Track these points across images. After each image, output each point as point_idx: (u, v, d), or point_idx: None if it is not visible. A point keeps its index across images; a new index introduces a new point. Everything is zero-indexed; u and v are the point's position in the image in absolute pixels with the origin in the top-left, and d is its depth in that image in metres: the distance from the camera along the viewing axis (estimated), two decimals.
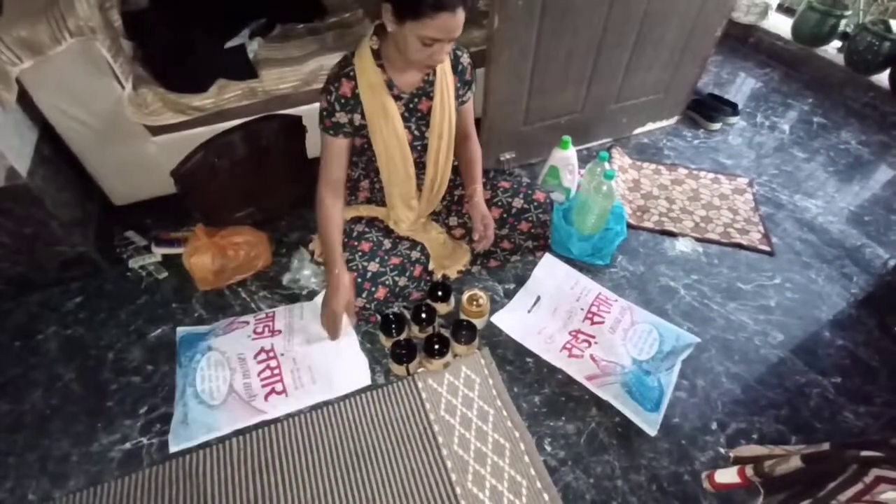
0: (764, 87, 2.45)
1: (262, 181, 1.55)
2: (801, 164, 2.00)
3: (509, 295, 1.48)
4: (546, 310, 1.43)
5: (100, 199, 1.61)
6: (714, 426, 1.22)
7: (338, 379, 1.27)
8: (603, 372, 1.26)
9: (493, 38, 1.50)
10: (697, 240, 1.67)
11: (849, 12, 2.30)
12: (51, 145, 1.44)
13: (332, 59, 1.52)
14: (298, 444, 1.17)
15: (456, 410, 1.22)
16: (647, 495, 1.10)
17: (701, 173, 1.93)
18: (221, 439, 1.17)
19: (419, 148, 1.30)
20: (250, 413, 1.20)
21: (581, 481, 1.12)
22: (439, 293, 1.39)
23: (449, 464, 1.13)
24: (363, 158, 1.33)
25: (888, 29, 2.17)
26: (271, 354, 1.28)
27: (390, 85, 1.17)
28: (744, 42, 2.72)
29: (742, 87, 2.46)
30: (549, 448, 1.17)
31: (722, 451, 1.17)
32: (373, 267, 1.32)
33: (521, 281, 1.51)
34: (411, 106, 1.23)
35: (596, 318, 1.37)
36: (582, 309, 1.40)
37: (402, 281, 1.37)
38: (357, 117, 1.19)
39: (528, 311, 1.43)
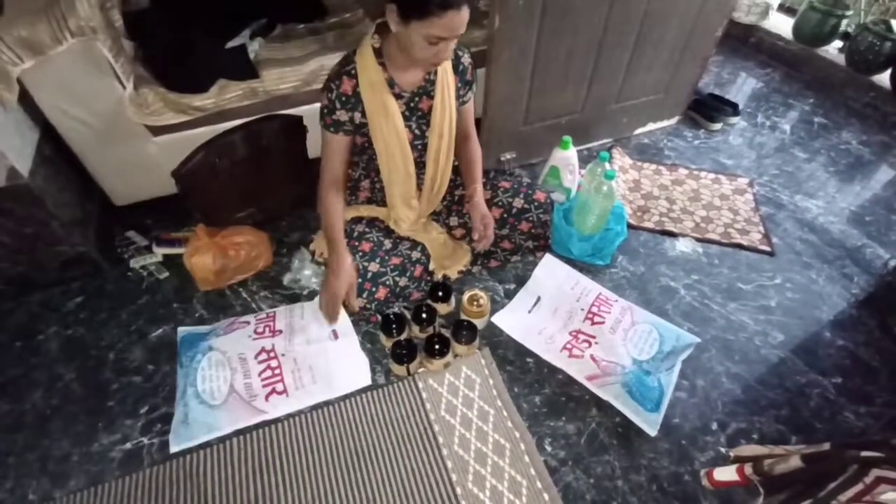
0: (765, 87, 2.44)
1: (262, 181, 1.55)
2: (801, 164, 2.00)
3: (510, 295, 1.48)
4: (546, 310, 1.43)
5: (100, 200, 1.61)
6: (714, 426, 1.22)
7: (338, 379, 1.27)
8: (603, 372, 1.26)
9: (494, 38, 1.50)
10: (698, 240, 1.66)
11: (850, 12, 2.30)
12: (52, 145, 1.44)
13: (332, 59, 1.52)
14: (299, 444, 1.17)
15: (456, 410, 1.22)
16: (648, 495, 1.10)
17: (701, 173, 1.93)
18: (222, 439, 1.17)
19: (419, 147, 1.30)
20: (251, 413, 1.21)
21: (581, 481, 1.12)
22: (440, 293, 1.39)
23: (449, 464, 1.13)
24: (364, 157, 1.33)
25: (889, 29, 2.17)
26: (272, 354, 1.28)
27: (391, 83, 1.17)
28: (745, 42, 2.72)
29: (743, 87, 2.46)
30: (549, 448, 1.17)
31: (722, 450, 1.17)
32: (373, 267, 1.32)
33: (521, 281, 1.51)
34: (412, 105, 1.23)
35: (596, 319, 1.37)
36: (582, 309, 1.40)
37: (403, 281, 1.37)
38: (357, 115, 1.20)
39: (529, 312, 1.43)
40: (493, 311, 1.41)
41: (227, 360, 1.26)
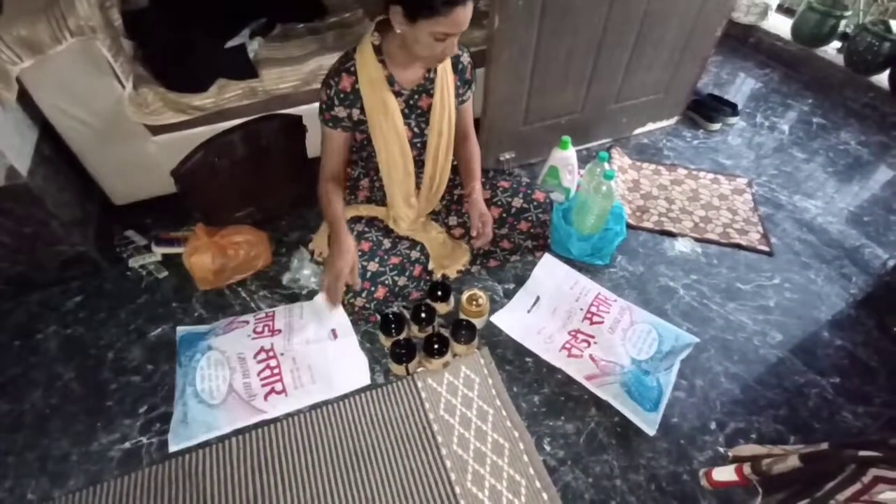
0: (763, 87, 2.45)
1: (262, 181, 1.55)
2: (800, 164, 2.00)
3: (509, 295, 1.48)
4: (545, 310, 1.43)
5: (100, 199, 1.61)
6: (713, 426, 1.22)
7: (337, 378, 1.27)
8: (602, 372, 1.26)
9: (494, 37, 1.50)
10: (697, 240, 1.67)
11: (849, 13, 2.31)
12: (51, 145, 1.44)
13: (331, 59, 1.52)
14: (298, 443, 1.17)
15: (455, 410, 1.22)
16: (646, 495, 1.10)
17: (700, 174, 1.93)
18: (221, 439, 1.17)
19: (418, 145, 1.30)
20: (250, 412, 1.21)
21: (580, 481, 1.12)
22: (439, 293, 1.39)
23: (448, 463, 1.13)
24: (363, 155, 1.34)
25: (888, 29, 2.17)
26: (271, 354, 1.28)
27: (391, 81, 1.18)
28: (744, 42, 2.73)
29: (742, 87, 2.46)
30: (548, 448, 1.17)
31: (721, 450, 1.17)
32: (372, 266, 1.32)
33: (520, 281, 1.51)
34: (411, 103, 1.23)
35: (595, 318, 1.37)
36: (581, 309, 1.40)
37: (402, 280, 1.37)
38: (356, 112, 1.20)
39: (528, 311, 1.43)
40: (492, 311, 1.41)
41: (226, 359, 1.26)
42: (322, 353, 1.30)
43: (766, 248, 1.64)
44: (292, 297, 1.48)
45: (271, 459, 1.14)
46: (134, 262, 1.55)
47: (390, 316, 1.31)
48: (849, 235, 1.71)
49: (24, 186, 1.27)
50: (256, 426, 1.19)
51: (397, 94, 1.20)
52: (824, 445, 0.99)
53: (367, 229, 1.39)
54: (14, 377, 1.30)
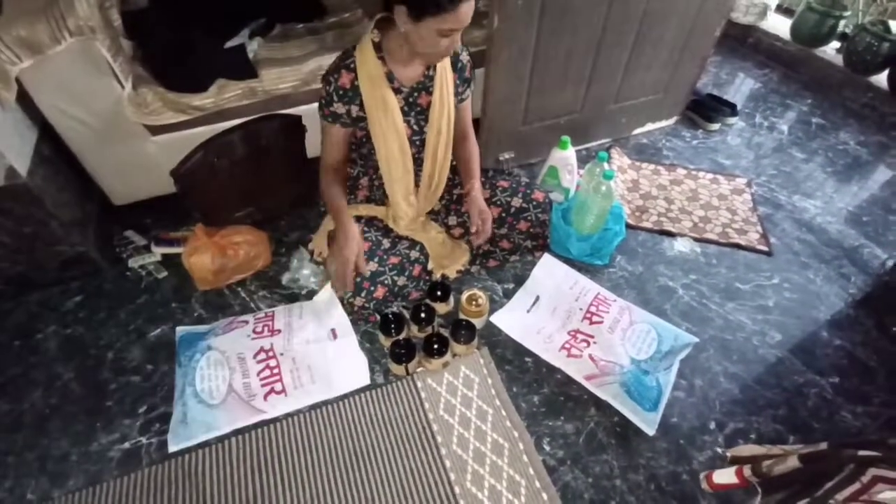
0: (763, 87, 2.45)
1: (261, 181, 1.55)
2: (799, 164, 2.01)
3: (508, 295, 1.48)
4: (545, 309, 1.43)
5: (99, 199, 1.61)
6: (712, 426, 1.22)
7: (337, 378, 1.27)
8: (602, 371, 1.26)
9: (493, 37, 1.50)
10: (696, 240, 1.67)
11: (848, 13, 2.31)
12: (50, 145, 1.44)
13: (331, 59, 1.51)
14: (297, 443, 1.17)
15: (455, 410, 1.22)
16: (646, 495, 1.10)
17: (700, 174, 1.93)
18: (220, 439, 1.17)
19: (418, 143, 1.30)
20: (249, 412, 1.21)
21: (580, 481, 1.12)
22: (438, 293, 1.39)
23: (448, 463, 1.13)
24: (362, 152, 1.34)
25: (887, 29, 2.17)
26: (271, 354, 1.28)
27: (391, 78, 1.18)
28: (743, 42, 2.73)
29: (741, 87, 2.46)
30: (547, 447, 1.17)
31: (720, 450, 1.17)
32: (372, 266, 1.32)
33: (520, 281, 1.51)
34: (411, 100, 1.23)
35: (595, 318, 1.37)
36: (581, 309, 1.40)
37: (402, 280, 1.37)
38: (355, 108, 1.20)
39: (527, 311, 1.43)
40: (491, 311, 1.41)
41: (225, 359, 1.26)
42: (322, 353, 1.30)
43: (765, 248, 1.64)
44: (292, 297, 1.48)
45: (271, 459, 1.14)
46: (133, 263, 1.55)
47: (390, 316, 1.31)
48: (848, 235, 1.71)
49: (24, 186, 1.27)
50: (256, 426, 1.19)
51: (397, 92, 1.20)
52: (823, 445, 0.99)
53: (366, 229, 1.39)
54: (14, 377, 1.30)
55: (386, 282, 1.34)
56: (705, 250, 1.64)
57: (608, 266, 1.58)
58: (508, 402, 1.23)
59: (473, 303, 1.34)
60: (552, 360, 1.31)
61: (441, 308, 1.41)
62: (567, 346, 1.33)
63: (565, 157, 1.65)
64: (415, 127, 1.27)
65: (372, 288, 1.32)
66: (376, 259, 1.34)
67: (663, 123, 2.15)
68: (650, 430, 1.18)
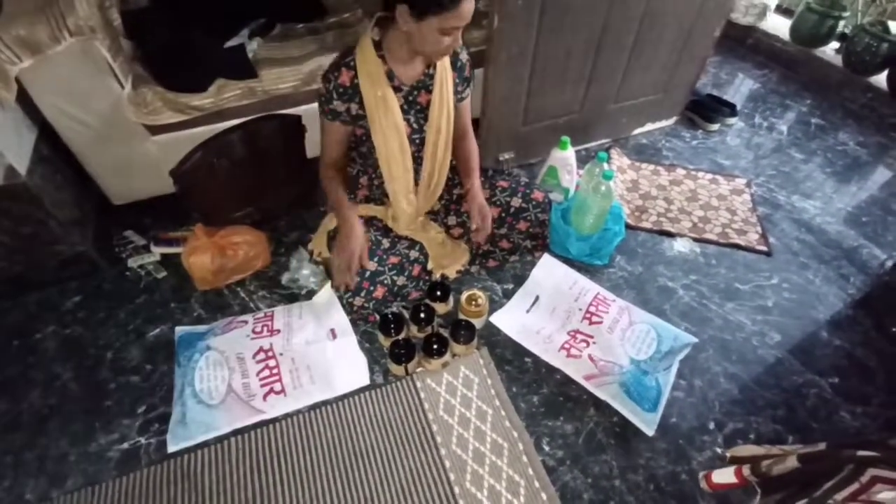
0: (762, 87, 2.45)
1: (261, 181, 1.55)
2: (798, 164, 2.01)
3: (508, 295, 1.48)
4: (544, 310, 1.43)
5: (98, 199, 1.61)
6: (711, 426, 1.22)
7: (336, 379, 1.27)
8: (601, 372, 1.26)
9: (493, 37, 1.50)
10: (695, 240, 1.67)
11: (847, 13, 2.31)
12: (50, 144, 1.44)
13: (331, 60, 1.52)
14: (297, 443, 1.17)
15: (454, 410, 1.22)
16: (645, 495, 1.10)
17: (699, 174, 1.93)
18: (220, 439, 1.17)
19: (417, 141, 1.31)
20: (249, 413, 1.21)
21: (579, 481, 1.12)
22: (438, 293, 1.39)
23: (447, 463, 1.13)
24: (362, 151, 1.34)
25: (886, 30, 2.18)
26: (270, 354, 1.28)
27: (391, 76, 1.18)
28: (742, 43, 2.73)
29: (740, 87, 2.47)
30: (547, 448, 1.17)
31: (719, 450, 1.17)
32: (371, 266, 1.32)
33: (519, 281, 1.51)
34: (410, 98, 1.24)
35: (594, 318, 1.37)
36: (580, 309, 1.40)
37: (401, 280, 1.37)
38: (354, 107, 1.20)
39: (527, 311, 1.43)
40: (491, 311, 1.41)
41: (224, 359, 1.26)
42: (321, 353, 1.30)
43: (764, 249, 1.64)
44: (291, 297, 1.48)
45: (270, 460, 1.14)
46: (133, 262, 1.55)
47: (389, 316, 1.31)
48: (847, 236, 1.72)
49: (23, 186, 1.27)
50: (255, 426, 1.19)
51: (397, 90, 1.20)
52: (822, 445, 0.99)
53: (366, 229, 1.39)
54: (13, 377, 1.30)
55: (385, 281, 1.34)
56: (705, 250, 1.64)
57: (608, 266, 1.58)
58: (508, 403, 1.23)
59: (473, 303, 1.34)
60: (551, 361, 1.31)
61: (441, 308, 1.41)
62: (566, 346, 1.33)
63: (565, 157, 1.66)
64: (414, 125, 1.27)
65: (371, 288, 1.32)
66: (376, 259, 1.34)
67: (663, 124, 2.16)
68: (649, 431, 1.18)
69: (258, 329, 1.33)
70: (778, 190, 1.88)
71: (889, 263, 1.59)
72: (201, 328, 1.38)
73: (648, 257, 1.62)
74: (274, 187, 1.60)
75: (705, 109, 2.14)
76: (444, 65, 1.22)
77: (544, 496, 1.08)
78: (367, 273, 1.31)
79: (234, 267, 1.46)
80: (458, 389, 1.26)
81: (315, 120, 1.27)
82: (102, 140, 1.44)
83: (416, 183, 1.37)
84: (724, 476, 1.07)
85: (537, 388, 1.28)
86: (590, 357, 1.29)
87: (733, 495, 1.09)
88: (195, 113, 1.49)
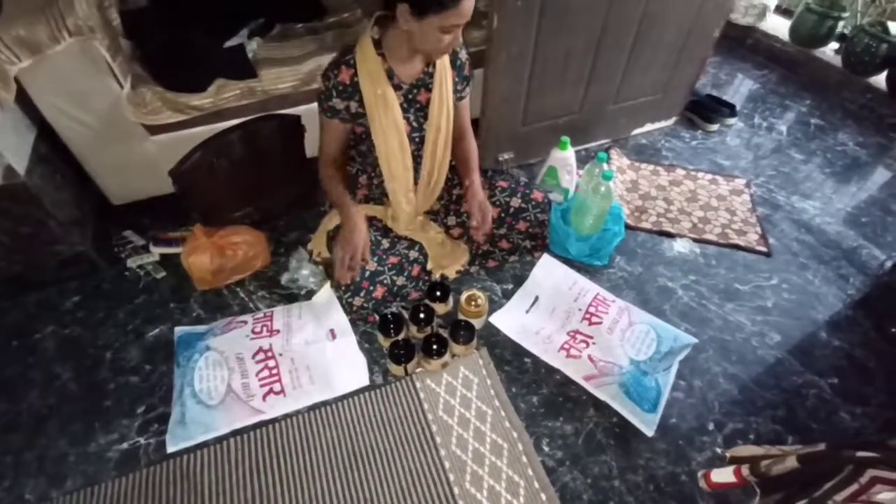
0: (762, 88, 2.45)
1: (260, 181, 1.55)
2: (798, 165, 2.01)
3: (507, 295, 1.48)
4: (544, 310, 1.43)
5: (98, 199, 1.61)
6: (711, 426, 1.22)
7: (336, 379, 1.27)
8: (601, 372, 1.26)
9: (492, 38, 1.50)
10: (695, 240, 1.67)
11: (846, 14, 2.31)
12: (49, 144, 1.43)
13: (330, 59, 1.52)
14: (296, 444, 1.17)
15: (454, 411, 1.22)
16: (645, 495, 1.10)
17: (699, 174, 1.93)
18: (219, 439, 1.17)
19: (417, 140, 1.31)
20: (248, 413, 1.20)
21: (579, 481, 1.12)
22: (438, 293, 1.39)
23: (447, 464, 1.13)
24: (361, 149, 1.34)
25: (886, 31, 2.18)
26: (269, 354, 1.28)
27: (390, 74, 1.18)
28: (742, 43, 2.73)
29: (740, 88, 2.47)
30: (546, 448, 1.17)
31: (719, 451, 1.17)
32: (371, 266, 1.32)
33: (519, 281, 1.51)
34: (410, 97, 1.24)
35: (594, 319, 1.37)
36: (580, 309, 1.40)
37: (401, 280, 1.37)
38: (354, 105, 1.20)
39: (527, 312, 1.43)
40: (490, 311, 1.41)
41: (224, 359, 1.26)
42: (321, 354, 1.30)
43: (764, 249, 1.64)
44: (291, 297, 1.48)
45: (269, 460, 1.14)
46: (132, 262, 1.54)
47: (389, 316, 1.31)
48: (846, 236, 1.72)
49: (22, 185, 1.27)
50: (255, 427, 1.19)
51: (396, 88, 1.20)
52: (822, 446, 0.99)
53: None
54: (12, 377, 1.30)
55: (385, 282, 1.34)
56: (704, 251, 1.64)
57: (607, 266, 1.58)
58: (507, 403, 1.23)
59: (472, 303, 1.34)
60: (551, 361, 1.31)
61: (440, 308, 1.41)
62: (566, 346, 1.33)
63: (565, 157, 1.65)
64: (414, 124, 1.27)
65: (371, 288, 1.32)
66: (375, 259, 1.34)
67: (662, 124, 2.16)
68: (649, 431, 1.18)
69: (258, 329, 1.33)
70: (777, 190, 1.89)
71: (888, 264, 1.59)
72: (200, 328, 1.38)
73: (648, 258, 1.62)
74: (273, 187, 1.60)
75: (705, 110, 2.14)
76: (443, 63, 1.22)
77: (544, 497, 1.08)
78: (367, 273, 1.31)
79: (233, 267, 1.46)
80: (458, 390, 1.26)
81: (314, 120, 1.28)
82: (102, 140, 1.44)
83: (416, 182, 1.37)
84: (724, 475, 1.07)
85: (537, 389, 1.28)
86: (589, 357, 1.29)
87: (733, 495, 1.09)
88: (194, 113, 1.49)
